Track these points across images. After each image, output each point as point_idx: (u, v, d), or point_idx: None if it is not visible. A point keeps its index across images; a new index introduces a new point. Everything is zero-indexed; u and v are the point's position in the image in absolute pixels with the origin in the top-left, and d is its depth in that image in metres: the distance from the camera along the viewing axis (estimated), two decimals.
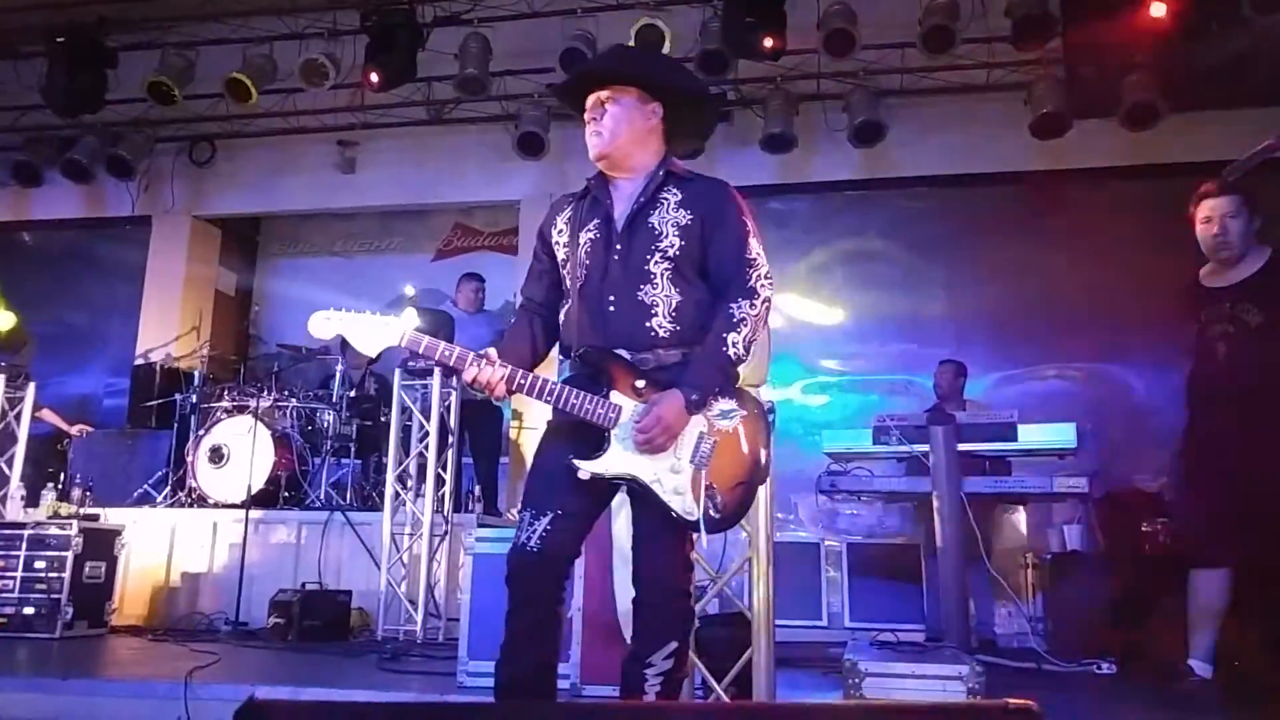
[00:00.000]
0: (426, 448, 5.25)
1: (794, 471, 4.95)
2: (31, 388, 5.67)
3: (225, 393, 6.13)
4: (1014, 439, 4.22)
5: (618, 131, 2.23)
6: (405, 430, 5.34)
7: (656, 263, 2.16)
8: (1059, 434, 4.23)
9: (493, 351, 2.16)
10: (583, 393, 2.12)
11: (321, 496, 5.85)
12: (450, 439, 5.29)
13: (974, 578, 4.31)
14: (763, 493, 2.98)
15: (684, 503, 2.09)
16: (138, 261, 7.78)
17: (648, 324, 2.16)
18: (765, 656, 2.55)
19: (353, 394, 6.17)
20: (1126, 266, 6.33)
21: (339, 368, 6.21)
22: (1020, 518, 5.81)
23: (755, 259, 2.18)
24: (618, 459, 2.10)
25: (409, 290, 6.04)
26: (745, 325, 2.12)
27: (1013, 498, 4.57)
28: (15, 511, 5.37)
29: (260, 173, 7.71)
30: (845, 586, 4.83)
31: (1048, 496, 4.39)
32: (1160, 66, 5.83)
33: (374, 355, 2.19)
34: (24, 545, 4.81)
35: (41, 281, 7.97)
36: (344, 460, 6.14)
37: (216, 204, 7.86)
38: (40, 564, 4.78)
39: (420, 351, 2.14)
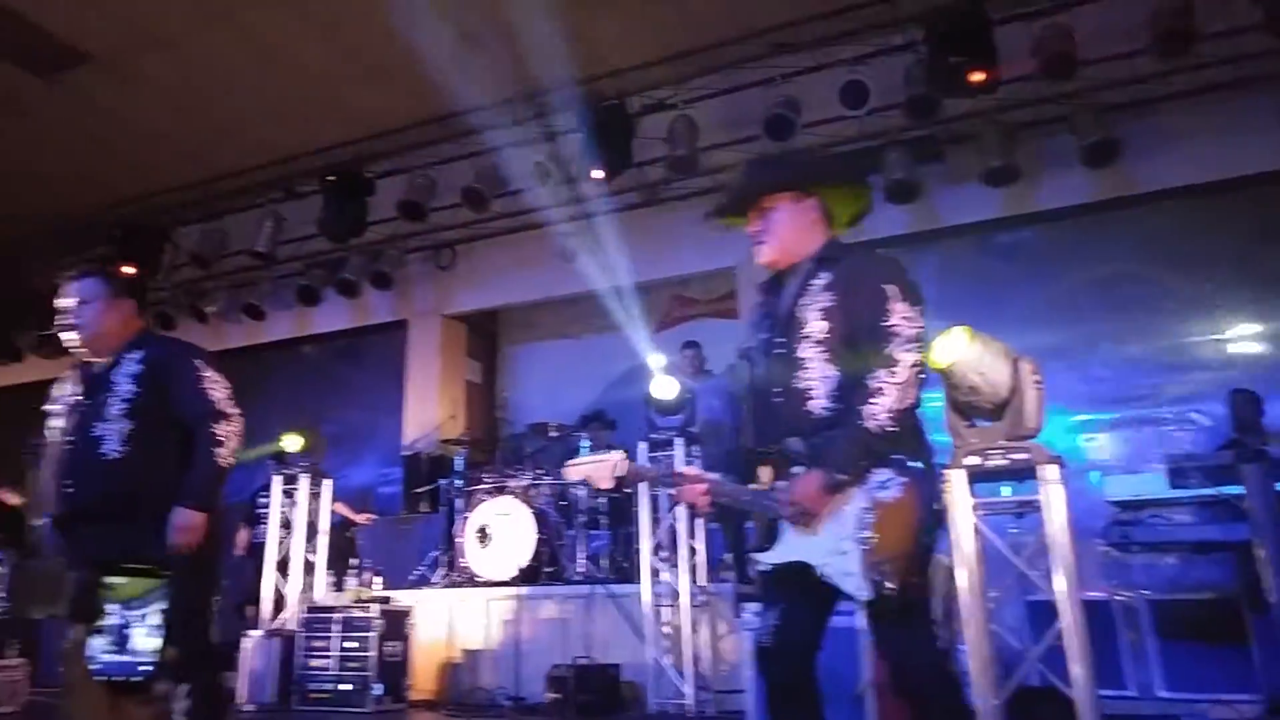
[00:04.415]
0: (675, 517, 5.36)
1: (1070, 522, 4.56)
2: (328, 484, 6.41)
3: (484, 475, 6.61)
4: None
5: (783, 236, 2.37)
6: (653, 500, 5.49)
7: (806, 348, 2.24)
8: None
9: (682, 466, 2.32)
10: (750, 488, 2.27)
11: (580, 570, 6.11)
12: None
13: None
14: (1063, 555, 2.81)
15: (855, 583, 2.09)
16: (398, 361, 8.67)
17: (806, 408, 2.23)
18: None
19: None
20: None
21: (585, 443, 6.52)
22: None
23: (894, 325, 2.15)
24: (787, 547, 2.22)
25: (656, 361, 6.18)
26: (883, 394, 2.10)
27: None
28: (324, 596, 6.04)
29: (495, 270, 8.41)
30: (1153, 650, 4.34)
31: None
32: None
33: (609, 486, 2.44)
34: (338, 627, 5.40)
35: (321, 387, 9.06)
36: (593, 532, 6.39)
37: (460, 302, 8.65)
38: (351, 644, 5.33)
39: (630, 476, 2.42)
